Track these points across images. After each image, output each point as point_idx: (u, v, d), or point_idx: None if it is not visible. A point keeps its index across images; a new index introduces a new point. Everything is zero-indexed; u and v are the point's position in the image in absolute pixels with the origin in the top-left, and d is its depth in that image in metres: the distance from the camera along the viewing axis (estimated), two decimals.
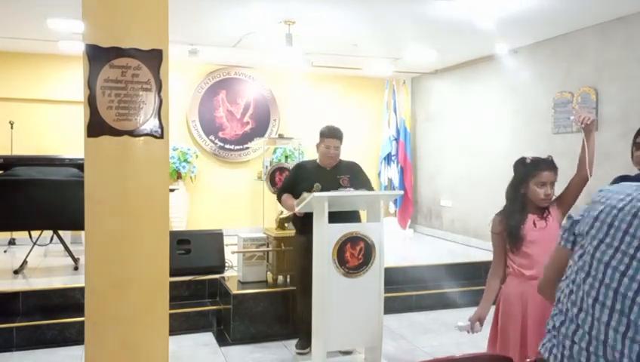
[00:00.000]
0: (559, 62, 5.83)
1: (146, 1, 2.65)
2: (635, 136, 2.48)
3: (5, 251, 6.28)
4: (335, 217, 3.49)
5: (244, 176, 7.82)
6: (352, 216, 3.80)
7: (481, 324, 2.53)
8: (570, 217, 1.46)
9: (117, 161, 2.61)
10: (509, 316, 2.44)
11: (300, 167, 4.22)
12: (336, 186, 3.81)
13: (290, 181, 4.09)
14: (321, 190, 3.70)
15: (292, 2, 4.85)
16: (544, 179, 2.46)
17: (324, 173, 3.97)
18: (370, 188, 4.04)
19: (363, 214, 3.96)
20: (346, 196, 3.65)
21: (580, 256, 1.33)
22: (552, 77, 5.95)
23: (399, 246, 7.25)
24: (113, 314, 2.63)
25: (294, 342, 4.21)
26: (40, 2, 4.87)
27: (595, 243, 1.28)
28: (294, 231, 4.21)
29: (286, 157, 7.53)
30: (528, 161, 2.52)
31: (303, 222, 3.86)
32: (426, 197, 8.32)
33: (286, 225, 4.70)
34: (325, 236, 3.38)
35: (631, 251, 1.19)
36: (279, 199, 4.12)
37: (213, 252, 5.10)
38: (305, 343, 4.00)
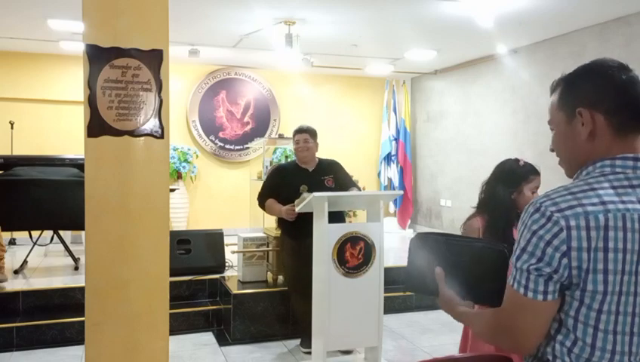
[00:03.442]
0: (559, 62, 5.83)
1: (146, 1, 2.65)
2: None
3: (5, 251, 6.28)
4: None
5: (244, 176, 7.82)
6: (339, 217, 3.81)
7: None
8: None
9: (117, 161, 2.61)
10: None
11: (281, 170, 4.21)
12: (322, 187, 3.82)
13: (273, 185, 4.06)
14: (308, 192, 3.70)
15: (292, 2, 4.85)
16: (538, 183, 2.34)
17: (307, 174, 3.98)
18: (354, 184, 4.05)
19: (362, 214, 3.96)
20: (346, 196, 3.66)
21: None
22: (551, 77, 5.90)
23: (399, 246, 7.25)
24: (113, 314, 2.63)
25: (294, 341, 4.23)
26: (40, 2, 4.87)
27: None
28: (280, 233, 4.24)
29: (286, 157, 7.53)
30: (522, 163, 2.36)
31: (289, 224, 3.90)
32: (426, 197, 8.32)
33: None
34: (325, 236, 3.38)
35: None
36: (262, 205, 4.08)
37: (213, 252, 5.10)
38: (308, 341, 4.00)
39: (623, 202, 1.07)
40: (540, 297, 1.08)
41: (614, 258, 1.05)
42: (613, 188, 1.10)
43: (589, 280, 1.06)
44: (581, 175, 1.17)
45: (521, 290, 1.10)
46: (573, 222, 1.06)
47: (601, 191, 1.09)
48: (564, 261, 1.06)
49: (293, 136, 4.06)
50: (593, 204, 1.07)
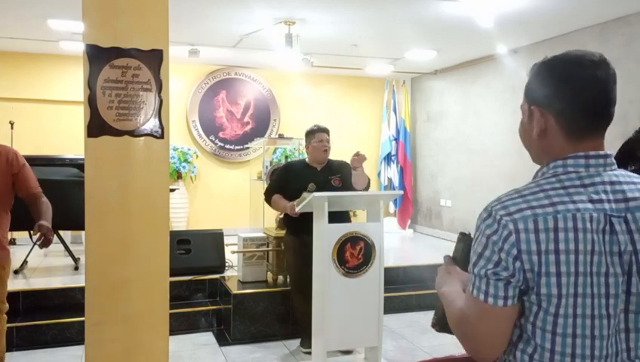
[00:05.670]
0: None
1: (146, 1, 2.65)
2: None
3: None
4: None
5: (244, 176, 7.82)
6: (342, 217, 3.81)
7: None
8: None
9: (117, 161, 2.61)
10: None
11: (290, 167, 4.28)
12: (328, 187, 3.83)
13: (281, 182, 4.10)
14: (316, 190, 3.72)
15: (292, 2, 4.85)
16: None
17: (315, 173, 4.01)
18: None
19: (362, 214, 3.96)
20: (346, 196, 3.66)
21: None
22: None
23: (399, 246, 7.25)
24: (113, 314, 2.63)
25: (294, 341, 4.22)
26: (40, 2, 4.87)
27: None
28: (285, 231, 4.27)
29: (286, 157, 7.52)
30: None
31: (293, 223, 3.93)
32: (426, 197, 8.32)
33: None
34: (325, 236, 3.38)
35: None
36: (268, 200, 4.13)
37: (213, 252, 5.10)
38: (308, 341, 4.00)
39: (573, 202, 1.05)
40: (501, 303, 1.07)
41: (566, 260, 1.03)
42: (564, 188, 1.07)
43: (542, 284, 1.04)
44: (537, 175, 1.15)
45: (482, 296, 1.08)
46: (521, 226, 1.04)
47: (551, 193, 1.07)
48: (518, 264, 1.05)
49: (313, 133, 4.02)
50: (542, 206, 1.05)
